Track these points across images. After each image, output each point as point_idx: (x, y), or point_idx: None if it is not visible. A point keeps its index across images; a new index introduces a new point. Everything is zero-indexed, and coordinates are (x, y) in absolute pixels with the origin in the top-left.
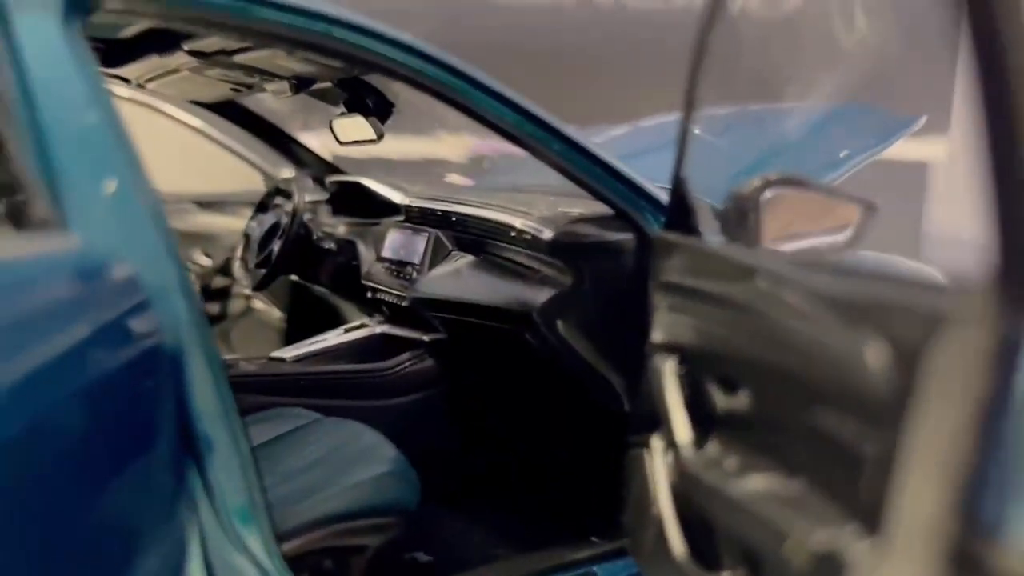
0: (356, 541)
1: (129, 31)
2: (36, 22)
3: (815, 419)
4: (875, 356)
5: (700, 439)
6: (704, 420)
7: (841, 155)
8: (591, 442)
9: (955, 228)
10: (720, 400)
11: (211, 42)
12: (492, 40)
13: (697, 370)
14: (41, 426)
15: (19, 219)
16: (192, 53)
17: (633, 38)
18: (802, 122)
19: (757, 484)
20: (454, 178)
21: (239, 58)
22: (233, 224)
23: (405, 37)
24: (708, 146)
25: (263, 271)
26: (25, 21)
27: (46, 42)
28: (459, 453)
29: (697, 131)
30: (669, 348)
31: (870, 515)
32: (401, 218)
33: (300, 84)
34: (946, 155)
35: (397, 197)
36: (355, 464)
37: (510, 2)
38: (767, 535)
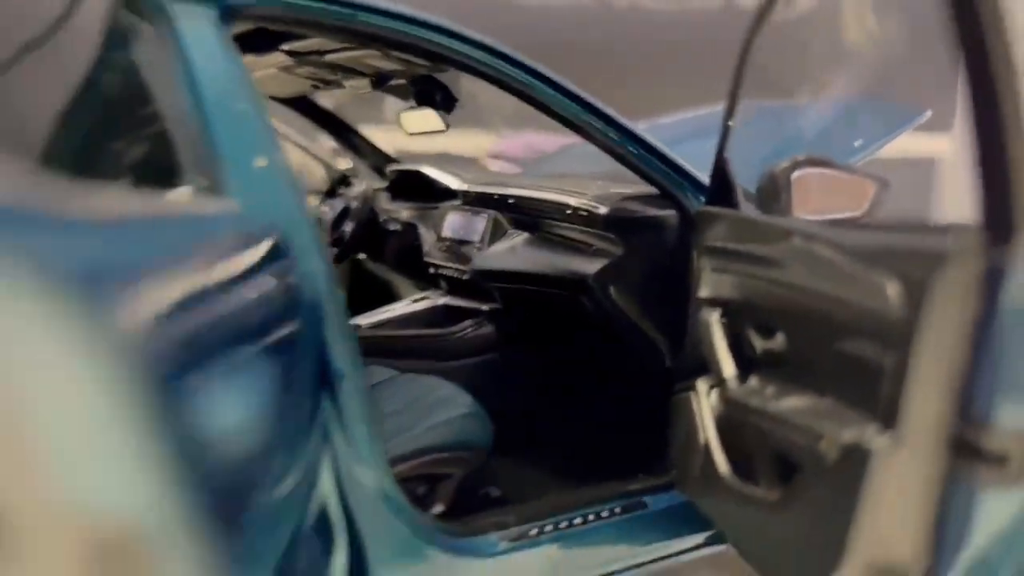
0: (443, 470)
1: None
2: (198, 28)
3: (841, 347)
4: (890, 291)
5: (743, 375)
6: (745, 361)
7: (856, 144)
8: (637, 395)
9: (962, 221)
10: (758, 343)
11: (308, 43)
12: (509, 40)
13: (738, 320)
14: (222, 353)
15: (188, 186)
16: (288, 53)
17: (649, 38)
18: (817, 116)
19: (794, 403)
20: (501, 166)
21: (330, 57)
22: None
23: (488, 40)
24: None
25: (336, 250)
26: (190, 27)
27: (206, 44)
28: (518, 408)
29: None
30: (714, 302)
31: (887, 416)
32: (458, 202)
33: (379, 80)
34: (952, 151)
35: (454, 183)
36: (436, 408)
37: (528, 2)
38: (807, 438)
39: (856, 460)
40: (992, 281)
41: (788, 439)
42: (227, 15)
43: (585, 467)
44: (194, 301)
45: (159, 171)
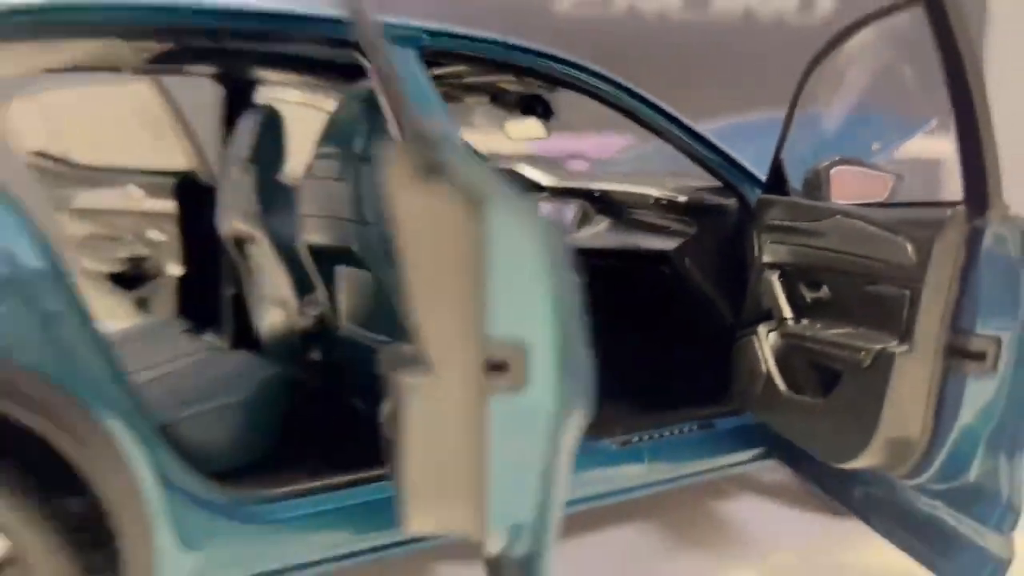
0: None
1: None
2: (406, 56)
3: (871, 290)
4: (907, 248)
5: (796, 317)
6: (797, 307)
7: (874, 148)
8: (704, 345)
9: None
10: (808, 294)
11: (450, 68)
12: (552, 46)
13: (792, 278)
14: None
15: None
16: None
17: (675, 44)
18: (837, 124)
19: (838, 331)
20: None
21: (467, 80)
22: None
23: (597, 67)
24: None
25: None
26: (400, 55)
27: (412, 69)
28: (607, 358)
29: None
30: (773, 266)
31: (904, 332)
32: (546, 195)
33: (496, 96)
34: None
35: (544, 180)
36: None
37: (566, 13)
38: (848, 352)
39: (883, 364)
40: (974, 238)
41: (834, 355)
42: (422, 53)
43: (664, 401)
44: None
45: None
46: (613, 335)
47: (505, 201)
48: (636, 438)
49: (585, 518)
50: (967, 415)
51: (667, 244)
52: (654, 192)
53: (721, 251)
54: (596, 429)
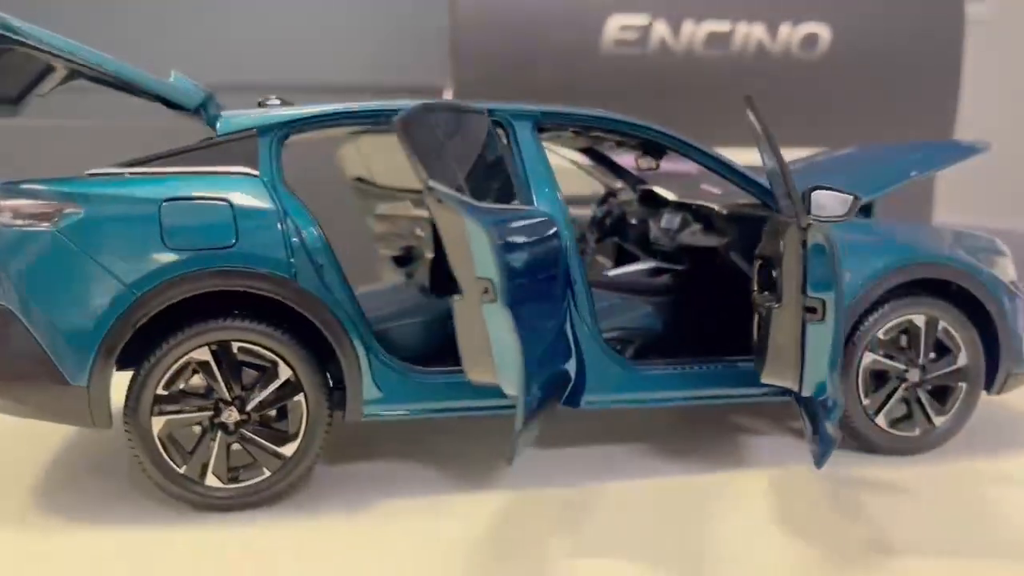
0: (629, 337)
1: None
2: (525, 132)
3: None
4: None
5: (760, 290)
6: (765, 285)
7: (912, 174)
8: (743, 310)
9: (958, 223)
10: (773, 274)
11: (558, 130)
12: (598, 79)
13: (770, 265)
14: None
15: (515, 201)
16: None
17: (700, 75)
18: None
19: (766, 296)
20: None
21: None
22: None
23: (671, 130)
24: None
25: (599, 234)
26: (521, 132)
27: (528, 140)
28: (688, 317)
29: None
30: (759, 257)
31: (779, 297)
32: (668, 208)
33: (623, 143)
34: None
35: (670, 196)
36: (628, 311)
37: (609, 51)
38: (761, 308)
39: (770, 314)
40: (803, 234)
41: (759, 312)
42: (536, 124)
43: (712, 340)
44: (526, 234)
45: (507, 196)
46: (696, 295)
47: (471, 212)
48: (686, 367)
49: (637, 428)
50: (813, 342)
51: (725, 240)
52: (718, 208)
53: (751, 245)
54: (653, 360)
